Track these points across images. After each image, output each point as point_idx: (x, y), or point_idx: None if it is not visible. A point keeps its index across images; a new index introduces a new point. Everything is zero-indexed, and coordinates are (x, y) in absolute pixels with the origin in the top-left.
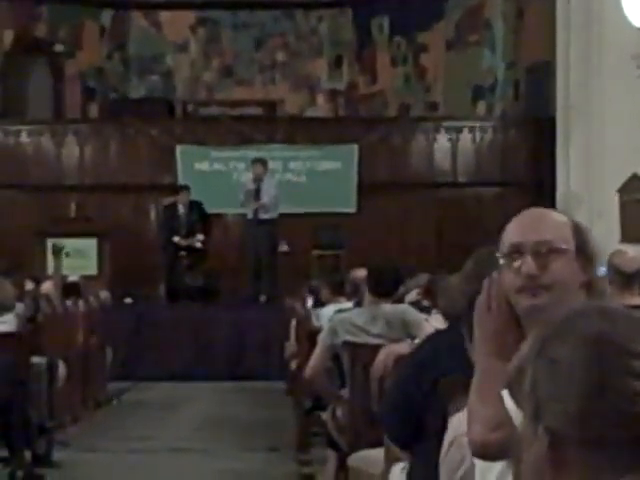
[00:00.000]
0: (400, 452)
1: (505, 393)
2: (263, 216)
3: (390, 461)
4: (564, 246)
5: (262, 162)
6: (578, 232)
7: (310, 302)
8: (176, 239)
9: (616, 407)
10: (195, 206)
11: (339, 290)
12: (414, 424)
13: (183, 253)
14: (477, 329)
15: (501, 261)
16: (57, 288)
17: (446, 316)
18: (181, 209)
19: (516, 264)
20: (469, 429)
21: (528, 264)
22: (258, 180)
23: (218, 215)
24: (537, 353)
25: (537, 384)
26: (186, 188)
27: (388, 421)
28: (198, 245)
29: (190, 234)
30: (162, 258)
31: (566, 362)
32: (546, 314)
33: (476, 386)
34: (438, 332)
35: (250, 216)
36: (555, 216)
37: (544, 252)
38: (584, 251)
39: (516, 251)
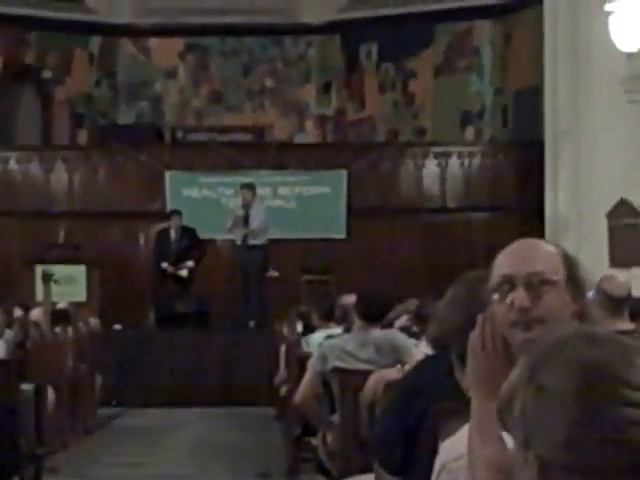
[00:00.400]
0: (390, 478)
1: (507, 435)
2: (252, 242)
3: None
4: (555, 277)
5: (250, 187)
6: (568, 262)
7: (300, 328)
8: (164, 265)
9: (605, 434)
10: (187, 232)
11: (329, 316)
12: (405, 450)
13: (171, 279)
14: (471, 369)
15: (495, 295)
16: (46, 315)
17: (435, 343)
18: (172, 234)
19: (509, 299)
20: (474, 475)
21: (521, 297)
22: (246, 206)
23: (207, 241)
24: (527, 379)
25: (526, 410)
26: (177, 213)
27: (379, 447)
28: (183, 274)
29: (180, 260)
30: (151, 284)
31: (555, 389)
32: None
33: (476, 431)
34: (429, 358)
35: (239, 242)
36: (545, 247)
37: (536, 283)
38: (574, 281)
39: (507, 282)
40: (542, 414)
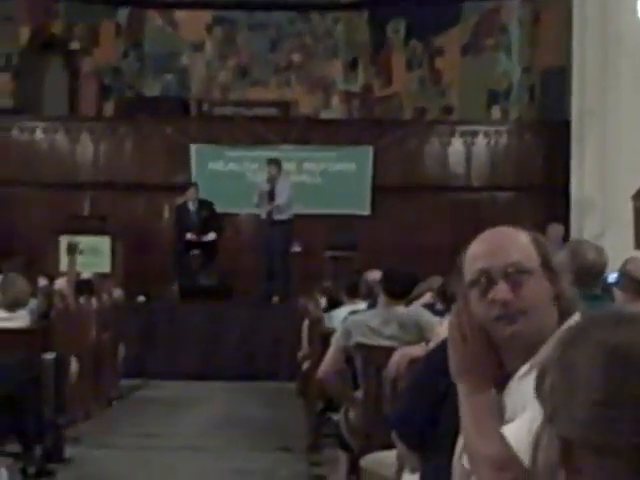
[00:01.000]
0: (408, 452)
1: (506, 430)
2: (277, 217)
3: (403, 463)
4: (531, 265)
5: (276, 163)
6: (540, 247)
7: (323, 303)
8: (189, 236)
9: (629, 415)
10: (205, 205)
11: (354, 292)
12: (427, 427)
13: (196, 252)
14: (455, 361)
15: (473, 291)
16: (70, 285)
17: None
18: (191, 206)
19: (490, 296)
20: (476, 473)
21: (502, 291)
22: (272, 180)
23: (231, 215)
24: (557, 358)
25: (554, 389)
26: (194, 185)
27: (401, 422)
28: (211, 238)
29: (202, 232)
30: (175, 257)
31: (581, 368)
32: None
33: (471, 425)
34: None
35: (263, 216)
36: (517, 235)
37: (514, 274)
38: (548, 265)
39: (484, 276)
40: (567, 392)
